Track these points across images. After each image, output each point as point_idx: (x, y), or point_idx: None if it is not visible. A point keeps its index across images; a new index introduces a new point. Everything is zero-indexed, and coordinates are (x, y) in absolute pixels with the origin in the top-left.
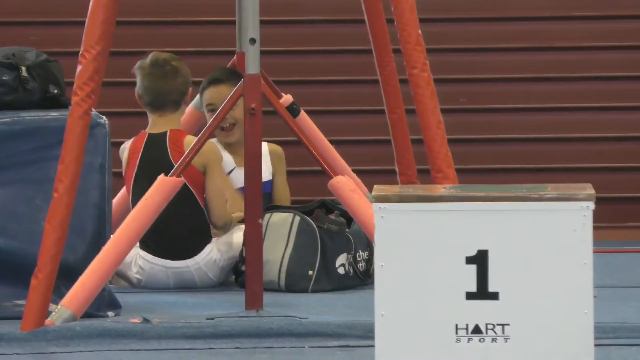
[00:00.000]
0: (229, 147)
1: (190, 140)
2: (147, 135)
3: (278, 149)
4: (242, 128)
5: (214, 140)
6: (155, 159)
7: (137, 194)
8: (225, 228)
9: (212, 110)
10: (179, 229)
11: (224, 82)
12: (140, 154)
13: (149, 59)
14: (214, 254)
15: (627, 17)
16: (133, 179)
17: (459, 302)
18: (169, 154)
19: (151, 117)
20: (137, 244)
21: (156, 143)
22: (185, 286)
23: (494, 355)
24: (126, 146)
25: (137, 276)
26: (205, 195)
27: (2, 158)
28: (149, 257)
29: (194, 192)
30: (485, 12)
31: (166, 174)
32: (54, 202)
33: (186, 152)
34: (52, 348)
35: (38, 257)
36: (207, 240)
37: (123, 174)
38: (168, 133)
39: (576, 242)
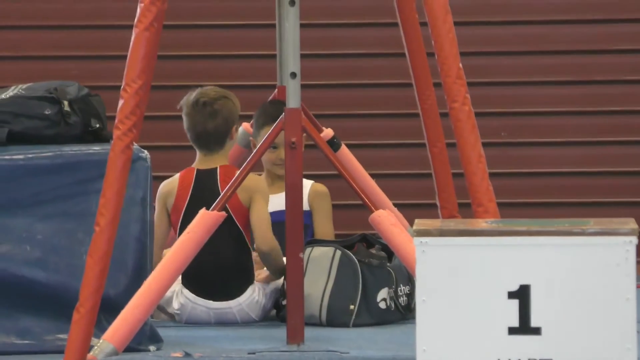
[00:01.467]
0: (277, 180)
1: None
2: (195, 170)
3: (320, 187)
4: None
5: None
6: (206, 195)
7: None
8: (271, 253)
9: (274, 147)
10: (225, 269)
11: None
12: (190, 190)
13: (192, 97)
14: (256, 294)
15: None
16: (182, 214)
17: (501, 337)
18: (220, 189)
19: (198, 154)
20: (180, 278)
21: (206, 178)
22: (226, 323)
23: None
24: (172, 182)
25: (178, 312)
26: (251, 221)
27: (44, 192)
28: (192, 296)
29: (243, 232)
30: (527, 46)
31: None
32: (96, 235)
33: (228, 186)
34: None
35: (80, 291)
36: (250, 280)
37: (170, 205)
38: (218, 169)
39: (619, 277)
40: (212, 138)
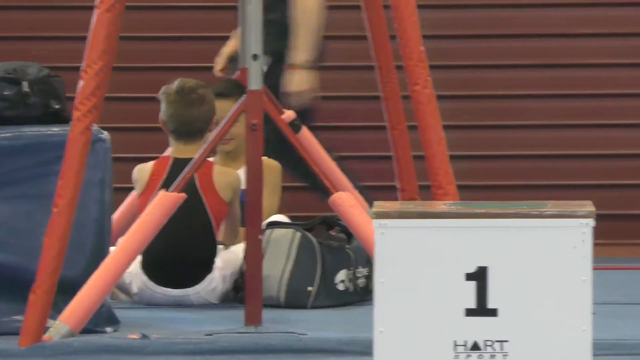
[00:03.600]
0: (227, 155)
1: (219, 169)
2: (172, 159)
3: (271, 162)
4: (239, 141)
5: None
6: None
7: None
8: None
9: (215, 124)
10: (188, 259)
11: (227, 96)
12: (164, 177)
13: (175, 85)
14: (215, 282)
15: (631, 35)
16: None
17: (458, 319)
18: (196, 180)
19: (175, 144)
20: (139, 262)
21: (183, 168)
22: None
23: None
24: (144, 167)
25: (136, 293)
26: (227, 222)
27: (3, 173)
28: (150, 284)
29: (214, 226)
30: (488, 29)
31: (192, 201)
32: (54, 217)
33: (186, 168)
34: None
35: (37, 272)
36: (209, 269)
37: (139, 192)
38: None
39: (576, 259)
40: (196, 125)
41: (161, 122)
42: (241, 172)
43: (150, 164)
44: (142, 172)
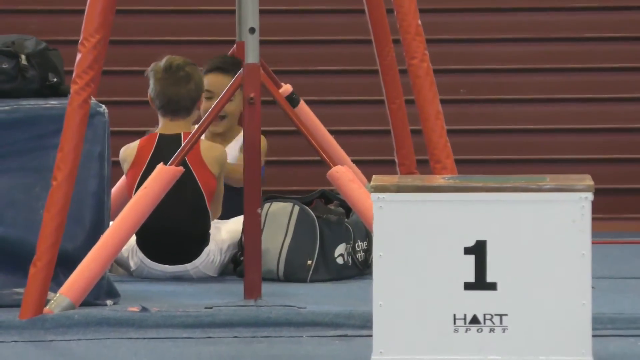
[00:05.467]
0: (216, 137)
1: (206, 144)
2: (158, 135)
3: None
4: (231, 120)
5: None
6: (167, 158)
7: None
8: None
9: (209, 98)
10: (182, 235)
11: (226, 71)
12: (151, 153)
13: (162, 63)
14: (212, 255)
15: (628, 8)
16: (140, 176)
17: (457, 292)
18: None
19: (162, 120)
20: (134, 238)
21: (170, 143)
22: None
23: (491, 346)
24: (130, 146)
25: (134, 270)
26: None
27: (1, 146)
28: (147, 261)
29: (205, 199)
30: (485, 3)
31: (182, 175)
32: (53, 190)
33: (185, 141)
34: (50, 336)
35: (37, 245)
36: (206, 242)
37: (125, 170)
38: (182, 135)
39: (574, 233)
40: (182, 103)
41: (149, 99)
42: (229, 148)
43: (136, 142)
44: (128, 150)
